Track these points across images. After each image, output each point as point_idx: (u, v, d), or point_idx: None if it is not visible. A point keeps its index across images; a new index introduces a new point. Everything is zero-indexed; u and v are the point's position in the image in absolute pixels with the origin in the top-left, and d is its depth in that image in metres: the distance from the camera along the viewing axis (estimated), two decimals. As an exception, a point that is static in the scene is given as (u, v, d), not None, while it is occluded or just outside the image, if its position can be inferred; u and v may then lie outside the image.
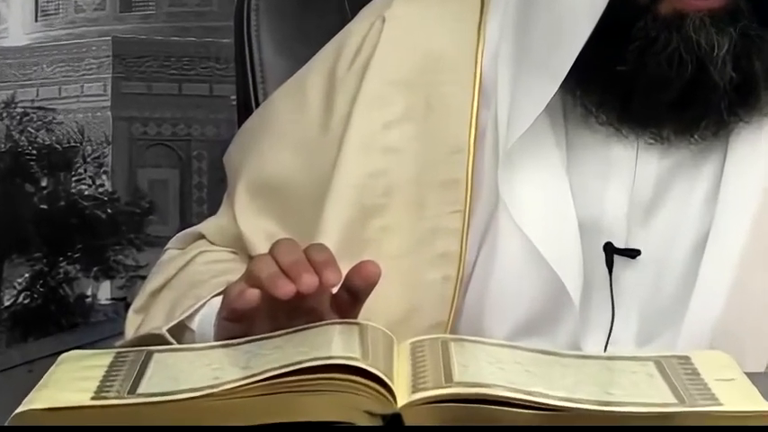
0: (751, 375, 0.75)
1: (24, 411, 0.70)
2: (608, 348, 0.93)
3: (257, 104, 1.16)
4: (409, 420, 0.69)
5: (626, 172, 0.94)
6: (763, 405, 0.70)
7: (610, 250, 0.93)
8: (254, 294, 0.78)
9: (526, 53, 0.93)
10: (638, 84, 0.91)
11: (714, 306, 0.90)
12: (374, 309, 0.83)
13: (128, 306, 1.02)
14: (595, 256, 0.93)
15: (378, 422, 0.70)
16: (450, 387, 0.70)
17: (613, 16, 0.90)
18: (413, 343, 0.78)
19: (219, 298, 0.86)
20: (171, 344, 0.86)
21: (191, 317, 0.90)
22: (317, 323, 0.80)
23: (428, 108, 0.96)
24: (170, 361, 0.77)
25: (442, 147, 0.95)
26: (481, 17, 0.97)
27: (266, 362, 0.73)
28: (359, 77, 0.97)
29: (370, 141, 0.96)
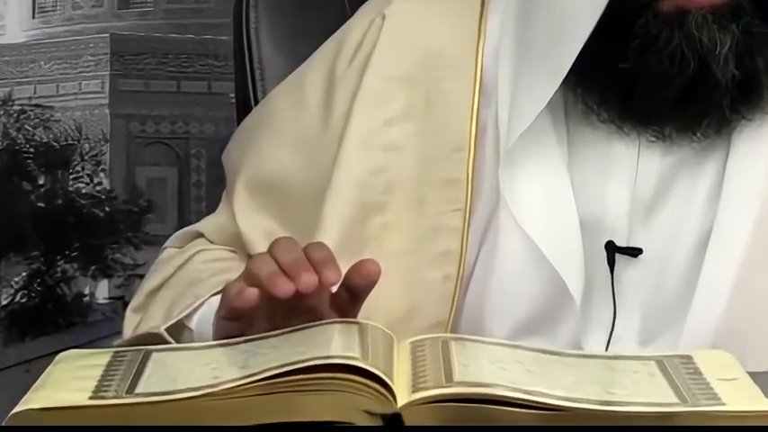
0: (753, 375, 0.74)
1: (21, 411, 0.70)
2: (609, 348, 0.92)
3: (256, 102, 1.15)
4: (409, 420, 0.69)
5: (628, 170, 0.93)
6: (766, 405, 0.70)
7: (611, 249, 0.93)
8: (252, 293, 0.78)
9: (527, 50, 0.93)
10: (639, 81, 0.90)
11: (717, 305, 0.90)
12: (374, 308, 0.83)
13: (126, 305, 1.01)
14: (597, 254, 0.93)
15: (377, 422, 0.70)
16: (450, 387, 0.70)
17: (615, 13, 0.89)
18: (413, 342, 0.78)
19: (218, 297, 0.85)
20: (169, 343, 0.86)
21: (189, 316, 0.90)
22: (317, 322, 0.80)
23: (428, 105, 0.95)
24: (168, 360, 0.77)
25: (443, 144, 0.95)
26: (482, 14, 0.97)
27: (265, 361, 0.72)
28: (359, 74, 0.97)
29: (370, 138, 0.95)
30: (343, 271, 0.80)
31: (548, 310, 0.92)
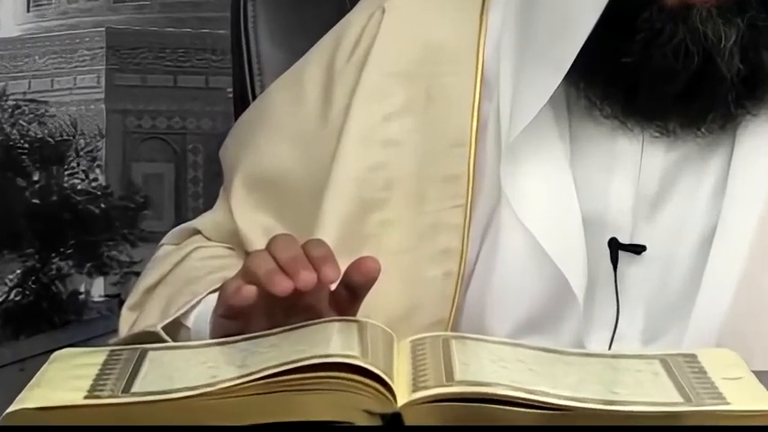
0: (759, 374, 0.74)
1: (16, 411, 0.69)
2: (613, 346, 0.92)
3: (254, 97, 1.15)
4: (409, 420, 0.69)
5: (631, 165, 0.93)
6: (772, 404, 0.69)
7: (614, 246, 0.92)
8: (250, 291, 0.77)
9: (529, 44, 0.92)
10: (643, 76, 0.90)
11: (721, 302, 0.90)
12: (374, 306, 0.82)
13: (122, 303, 1.01)
14: (600, 251, 0.92)
15: (377, 422, 0.69)
16: (451, 386, 0.69)
17: (618, 7, 0.89)
18: (413, 341, 0.77)
19: (215, 295, 0.85)
20: (166, 341, 0.86)
21: (186, 314, 0.90)
22: (316, 320, 0.79)
23: (429, 100, 0.95)
24: (165, 359, 0.76)
25: (443, 139, 0.94)
26: (483, 7, 0.96)
27: (263, 360, 0.72)
28: (358, 69, 0.96)
29: (369, 134, 0.94)
30: (343, 268, 0.79)
31: (550, 308, 0.91)
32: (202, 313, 0.88)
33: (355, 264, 0.80)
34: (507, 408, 0.68)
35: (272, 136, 0.99)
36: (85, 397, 0.70)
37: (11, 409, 0.69)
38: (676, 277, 0.92)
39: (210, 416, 0.69)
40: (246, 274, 0.79)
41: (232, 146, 1.03)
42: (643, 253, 0.92)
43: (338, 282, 0.80)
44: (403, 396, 0.69)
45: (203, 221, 1.02)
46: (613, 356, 0.79)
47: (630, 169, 0.93)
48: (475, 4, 0.97)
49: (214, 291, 0.88)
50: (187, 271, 0.96)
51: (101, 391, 0.70)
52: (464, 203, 0.93)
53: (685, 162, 0.93)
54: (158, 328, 0.87)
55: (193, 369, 0.73)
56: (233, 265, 0.89)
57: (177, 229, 1.04)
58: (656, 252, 0.92)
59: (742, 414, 0.69)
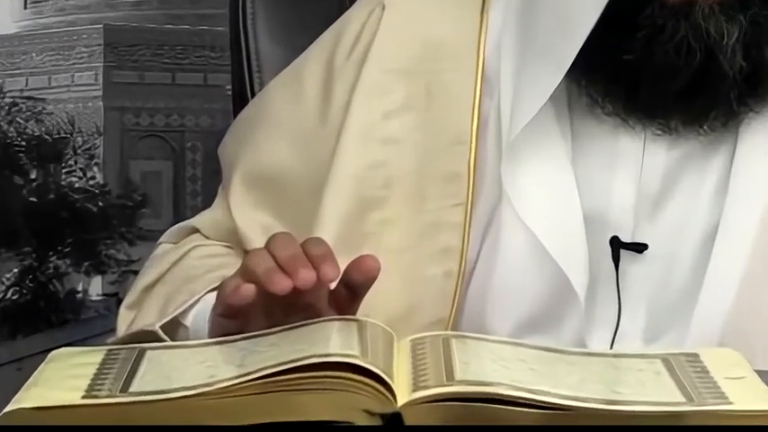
0: (761, 373, 0.74)
1: (13, 410, 0.69)
2: (614, 345, 0.92)
3: (253, 94, 1.14)
4: (409, 420, 0.68)
5: (633, 164, 0.92)
6: (775, 404, 0.69)
7: (616, 244, 0.92)
8: (249, 290, 0.77)
9: (530, 42, 0.92)
10: (645, 73, 0.89)
11: (724, 301, 0.89)
12: (373, 305, 0.82)
13: (119, 302, 1.00)
14: (601, 250, 0.92)
15: (377, 422, 0.69)
16: (451, 385, 0.69)
17: (620, 4, 0.88)
18: (413, 340, 0.77)
19: (214, 294, 0.84)
20: (164, 341, 0.85)
21: (184, 313, 0.89)
22: (315, 320, 0.79)
23: (429, 97, 0.94)
24: (163, 358, 0.76)
25: (444, 137, 0.93)
26: (483, 4, 0.96)
27: (262, 359, 0.72)
28: (358, 66, 0.96)
29: (369, 132, 0.94)
30: (342, 267, 0.79)
31: (551, 307, 0.91)
32: (201, 312, 0.88)
33: (355, 262, 0.79)
34: (508, 407, 0.68)
35: (271, 133, 0.99)
36: (83, 397, 0.70)
37: (8, 408, 0.69)
38: (678, 276, 0.92)
39: (209, 416, 0.69)
40: (245, 273, 0.79)
41: (231, 143, 1.02)
42: (645, 251, 0.92)
43: (338, 280, 0.79)
44: (403, 396, 0.69)
45: (202, 220, 1.02)
46: (615, 356, 0.78)
47: (632, 167, 0.92)
48: (475, 1, 0.96)
49: (213, 289, 0.87)
50: (185, 270, 0.96)
51: (98, 390, 0.70)
52: (464, 202, 0.92)
53: (687, 160, 0.93)
54: (156, 328, 0.87)
55: (192, 368, 0.73)
56: (232, 264, 0.89)
57: (175, 228, 1.04)
58: (657, 251, 0.92)
59: (744, 414, 0.68)
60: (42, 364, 0.75)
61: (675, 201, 0.92)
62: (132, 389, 0.70)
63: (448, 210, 0.92)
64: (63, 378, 0.72)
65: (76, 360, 0.75)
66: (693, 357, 0.75)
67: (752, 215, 0.90)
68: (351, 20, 0.99)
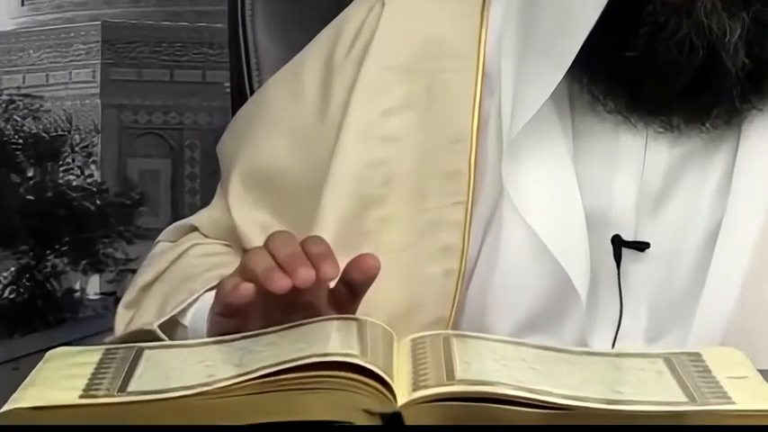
0: (764, 373, 0.73)
1: (10, 410, 0.68)
2: (616, 345, 0.91)
3: (252, 92, 1.14)
4: (410, 419, 0.68)
5: (635, 161, 0.92)
6: (777, 404, 0.69)
7: (618, 243, 0.91)
8: (248, 289, 0.77)
9: (531, 39, 0.92)
10: (647, 70, 0.89)
11: (727, 299, 0.89)
12: (373, 304, 0.81)
13: (117, 301, 1.00)
14: (603, 248, 0.91)
15: (377, 421, 0.69)
16: (452, 385, 0.68)
17: (621, 1, 0.88)
18: (413, 339, 0.77)
19: (213, 293, 0.84)
20: (162, 340, 0.85)
21: (183, 312, 0.89)
22: (314, 319, 0.78)
23: (429, 95, 0.94)
24: (161, 358, 0.76)
25: (444, 135, 0.93)
26: (484, 1, 0.95)
27: (261, 359, 0.71)
28: (357, 64, 0.95)
29: (368, 130, 0.94)
30: (342, 266, 0.78)
31: (552, 306, 0.91)
32: (199, 311, 0.87)
33: (355, 261, 0.79)
34: (509, 407, 0.67)
35: (269, 131, 0.98)
36: (81, 396, 0.69)
37: (5, 408, 0.68)
38: (680, 275, 0.92)
39: (207, 415, 0.68)
40: (244, 272, 0.78)
41: (229, 141, 1.02)
42: (647, 250, 0.91)
43: (337, 279, 0.79)
44: (403, 395, 0.68)
45: (200, 218, 1.01)
46: (617, 355, 0.78)
47: (634, 165, 0.92)
48: None
49: (211, 288, 0.87)
50: (184, 268, 0.95)
51: (96, 390, 0.70)
52: (465, 200, 0.92)
53: (690, 158, 0.92)
54: (155, 327, 0.87)
55: (190, 368, 0.73)
56: (230, 263, 0.88)
57: (174, 226, 1.04)
58: (659, 249, 0.91)
59: (747, 414, 0.68)
60: (39, 364, 0.75)
61: (677, 199, 0.92)
62: (130, 388, 0.70)
63: (448, 208, 0.92)
64: (60, 378, 0.72)
65: (74, 359, 0.75)
66: (696, 357, 0.75)
67: (754, 213, 0.90)
68: (350, 17, 0.99)
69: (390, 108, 0.94)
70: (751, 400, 0.69)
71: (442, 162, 0.93)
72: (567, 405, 0.67)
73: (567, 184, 0.91)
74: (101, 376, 0.72)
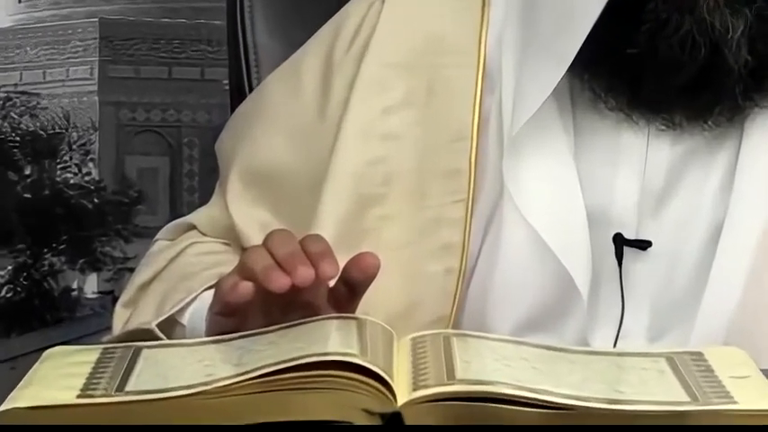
0: (767, 372, 0.73)
1: (7, 410, 0.68)
2: (617, 344, 0.91)
3: (251, 89, 1.14)
4: (410, 419, 0.68)
5: (636, 159, 0.92)
6: (780, 404, 0.68)
7: (619, 241, 0.91)
8: (247, 288, 0.76)
9: (532, 36, 0.91)
10: (648, 67, 0.89)
11: (729, 299, 0.89)
12: (373, 303, 0.81)
13: (115, 300, 1.00)
14: (604, 247, 0.91)
15: (377, 421, 0.68)
16: (452, 384, 0.68)
17: None
18: (413, 338, 0.76)
19: (211, 291, 0.84)
20: (160, 339, 0.85)
21: (181, 311, 0.89)
22: (314, 318, 0.78)
23: (430, 92, 0.94)
24: (160, 357, 0.75)
25: (445, 133, 0.93)
26: None
27: (260, 358, 0.71)
28: (357, 61, 0.95)
29: (368, 128, 0.93)
30: (341, 264, 0.78)
31: (553, 305, 0.90)
32: (198, 310, 0.87)
33: (354, 259, 0.78)
34: (510, 407, 0.67)
35: (268, 128, 0.98)
36: (78, 396, 0.69)
37: (2, 408, 0.68)
38: (683, 273, 0.91)
39: (206, 415, 0.68)
40: (243, 271, 0.78)
41: (228, 139, 1.02)
42: (648, 249, 0.91)
43: (337, 278, 0.78)
44: (403, 395, 0.68)
45: (199, 216, 1.01)
46: (618, 354, 0.78)
47: (636, 163, 0.92)
48: None
49: (210, 287, 0.87)
50: (182, 267, 0.95)
51: (94, 389, 0.70)
52: (465, 198, 0.92)
53: (692, 156, 0.92)
54: (153, 326, 0.86)
55: (189, 367, 0.72)
56: (229, 261, 0.88)
57: (172, 225, 1.03)
58: (661, 248, 0.91)
59: (749, 413, 0.68)
60: (37, 363, 0.75)
61: (679, 197, 0.92)
62: (128, 388, 0.70)
63: (449, 206, 0.92)
64: (58, 377, 0.72)
65: (71, 359, 0.75)
66: (698, 356, 0.75)
67: (757, 211, 0.89)
68: (350, 13, 0.98)
69: (390, 106, 0.94)
70: (754, 399, 0.69)
71: (443, 160, 0.92)
72: (568, 405, 0.67)
73: (569, 182, 0.91)
74: (98, 376, 0.71)
